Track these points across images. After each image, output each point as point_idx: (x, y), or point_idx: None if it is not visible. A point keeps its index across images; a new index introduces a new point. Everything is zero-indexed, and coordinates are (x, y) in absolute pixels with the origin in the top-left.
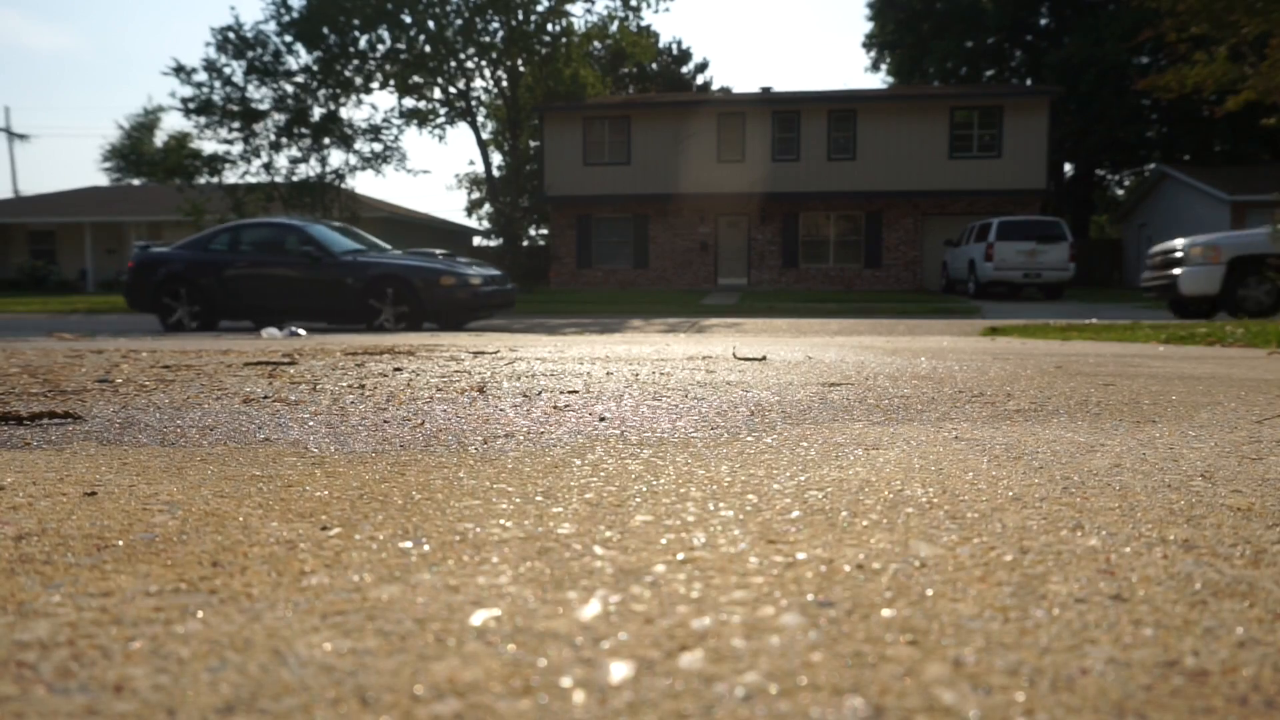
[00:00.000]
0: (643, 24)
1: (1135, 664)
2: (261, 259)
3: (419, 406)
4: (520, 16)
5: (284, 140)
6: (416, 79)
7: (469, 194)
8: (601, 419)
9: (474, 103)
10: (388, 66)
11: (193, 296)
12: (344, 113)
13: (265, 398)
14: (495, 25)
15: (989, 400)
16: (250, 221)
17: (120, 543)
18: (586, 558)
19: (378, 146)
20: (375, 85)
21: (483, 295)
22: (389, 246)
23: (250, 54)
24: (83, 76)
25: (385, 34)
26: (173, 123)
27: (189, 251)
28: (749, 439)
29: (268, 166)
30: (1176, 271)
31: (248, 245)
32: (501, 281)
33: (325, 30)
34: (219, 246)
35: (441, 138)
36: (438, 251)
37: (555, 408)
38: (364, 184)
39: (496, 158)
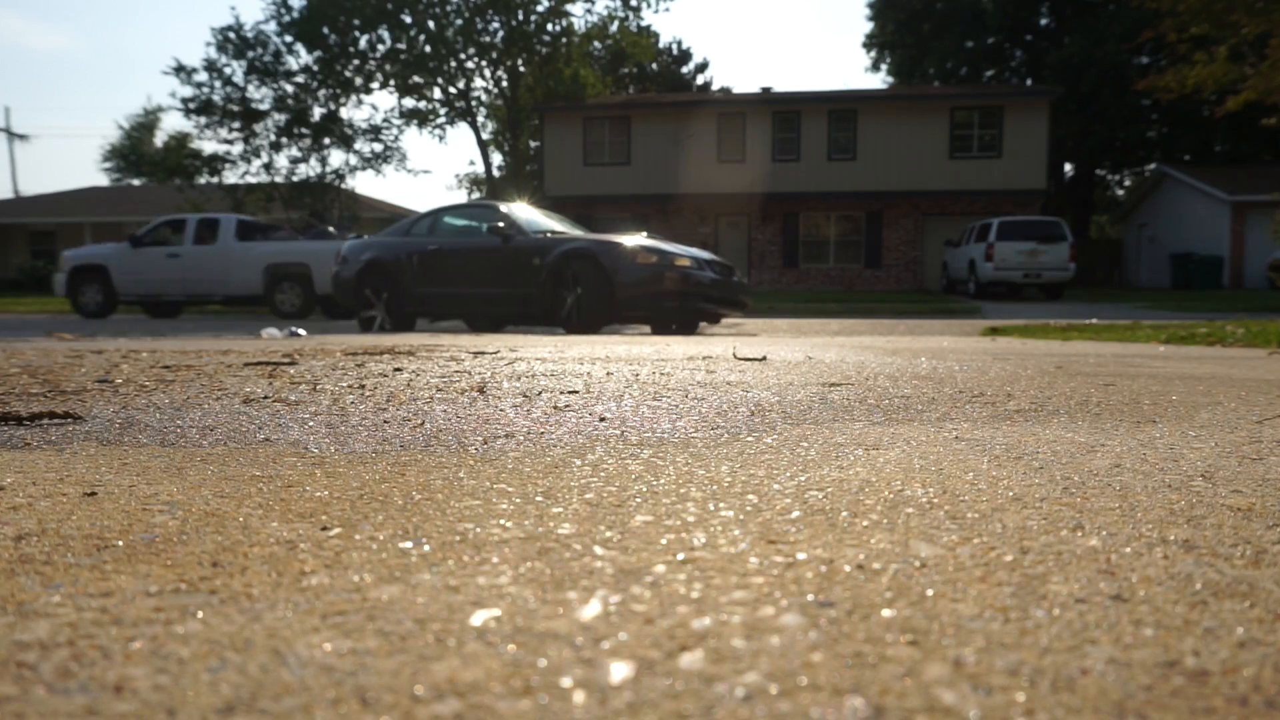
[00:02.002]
0: (643, 24)
1: (1136, 664)
2: (457, 246)
3: (419, 406)
4: (520, 16)
5: (284, 140)
6: (416, 79)
7: (469, 194)
8: (602, 419)
9: (474, 103)
10: (388, 66)
11: (385, 291)
12: (344, 113)
13: (265, 398)
14: (495, 25)
15: (989, 400)
16: (450, 205)
17: (120, 543)
18: (587, 558)
19: (378, 146)
20: (375, 85)
21: (694, 283)
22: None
23: (250, 54)
24: (83, 76)
25: (385, 34)
26: (173, 123)
27: (388, 239)
28: (749, 439)
29: (268, 166)
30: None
31: (445, 233)
32: (725, 271)
33: (325, 30)
34: (419, 233)
35: (441, 138)
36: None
37: (555, 408)
38: (364, 184)
39: (496, 158)
